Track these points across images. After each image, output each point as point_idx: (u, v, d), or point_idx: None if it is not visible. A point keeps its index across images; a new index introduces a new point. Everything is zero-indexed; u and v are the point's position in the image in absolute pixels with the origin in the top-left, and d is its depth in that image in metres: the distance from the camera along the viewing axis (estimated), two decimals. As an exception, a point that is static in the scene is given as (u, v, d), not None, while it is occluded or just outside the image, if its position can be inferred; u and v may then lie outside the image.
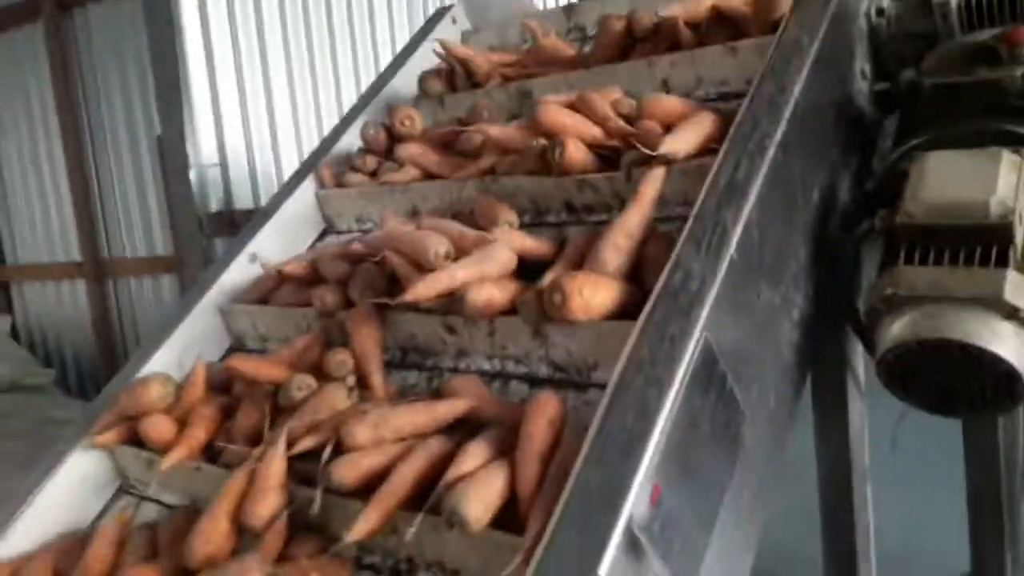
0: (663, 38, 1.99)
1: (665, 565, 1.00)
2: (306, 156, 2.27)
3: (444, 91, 2.32)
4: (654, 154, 1.51)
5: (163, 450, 1.56)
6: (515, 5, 2.82)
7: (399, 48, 2.66)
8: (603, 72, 2.00)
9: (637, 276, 1.43)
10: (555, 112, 1.71)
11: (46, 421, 3.83)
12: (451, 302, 1.47)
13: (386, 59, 4.31)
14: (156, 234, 4.44)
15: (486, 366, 1.52)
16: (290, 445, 1.39)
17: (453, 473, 1.20)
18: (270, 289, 1.91)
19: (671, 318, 1.15)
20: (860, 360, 1.75)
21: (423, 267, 1.52)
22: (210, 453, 1.59)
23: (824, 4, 1.62)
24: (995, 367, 1.26)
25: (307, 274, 1.82)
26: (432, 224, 1.66)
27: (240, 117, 4.04)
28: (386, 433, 1.34)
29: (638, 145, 1.55)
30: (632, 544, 0.96)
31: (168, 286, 4.45)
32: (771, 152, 1.35)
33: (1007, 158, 1.37)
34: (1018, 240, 1.32)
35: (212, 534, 1.33)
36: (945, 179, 1.38)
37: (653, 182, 1.49)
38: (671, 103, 1.69)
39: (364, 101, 2.38)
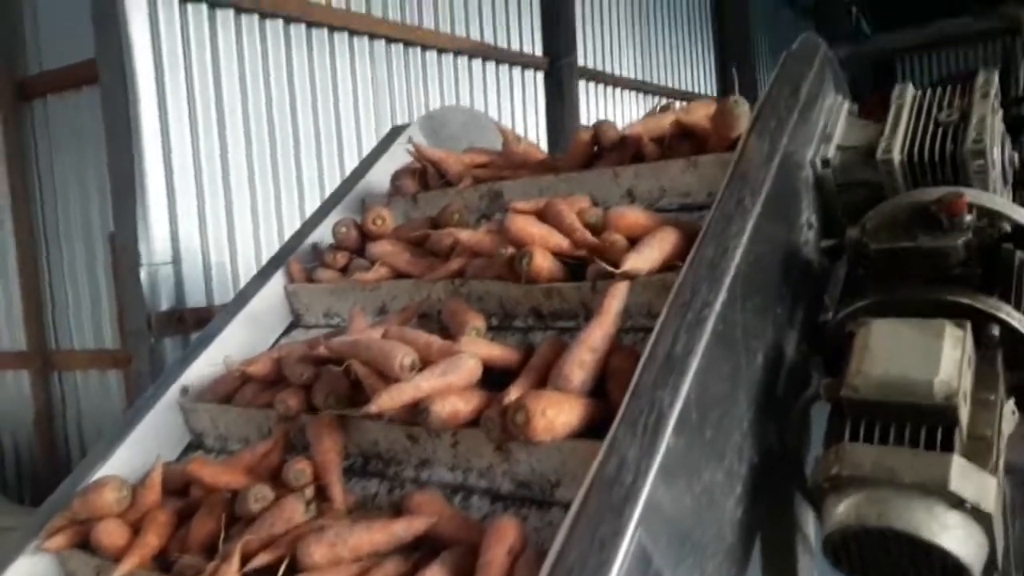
0: (628, 149, 2.08)
1: None
2: (264, 257, 2.26)
3: (417, 189, 2.36)
4: (618, 272, 1.56)
5: (115, 557, 1.53)
6: (471, 124, 2.83)
7: (366, 152, 2.67)
8: (571, 179, 2.07)
9: (602, 389, 1.44)
10: (523, 222, 1.75)
11: (-25, 529, 3.62)
12: (415, 411, 1.47)
13: (352, 163, 4.30)
14: (106, 328, 4.32)
15: (448, 477, 1.51)
16: (245, 560, 1.36)
17: None
18: (234, 388, 1.90)
19: (604, 517, 1.08)
20: (809, 520, 1.69)
21: (388, 377, 1.52)
22: (164, 560, 1.54)
23: (768, 157, 1.62)
24: (943, 560, 1.21)
25: (270, 374, 1.83)
26: (398, 333, 1.66)
27: (196, 215, 3.99)
28: (343, 552, 1.32)
29: (603, 261, 1.61)
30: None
31: (115, 381, 4.31)
32: (711, 323, 1.31)
33: (950, 333, 1.34)
34: (963, 420, 1.29)
35: None
36: (889, 353, 1.35)
37: (617, 296, 1.53)
38: (635, 216, 1.73)
39: (336, 198, 2.41)
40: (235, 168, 4.18)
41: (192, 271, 3.92)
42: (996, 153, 1.69)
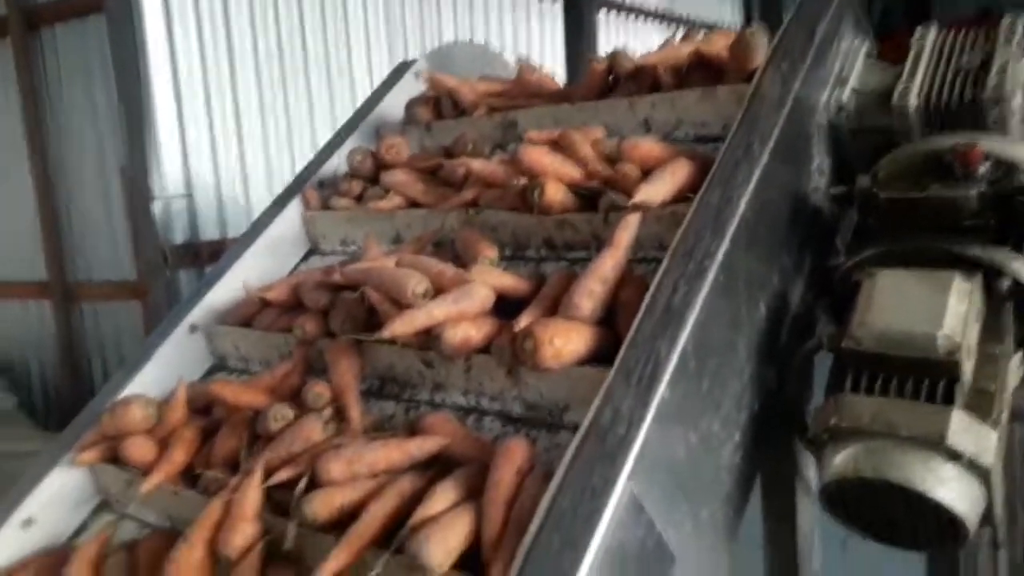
0: (644, 79, 2.06)
1: None
2: (276, 190, 2.28)
3: (431, 118, 2.35)
4: (631, 204, 1.56)
5: (144, 470, 1.60)
6: (480, 59, 2.77)
7: (377, 83, 2.66)
8: (586, 108, 2.05)
9: (611, 320, 1.45)
10: (537, 153, 1.75)
11: (4, 455, 3.73)
12: (429, 338, 1.50)
13: (364, 93, 4.25)
14: (123, 260, 4.35)
15: (461, 401, 1.55)
16: (266, 476, 1.42)
17: (420, 515, 1.22)
18: (254, 312, 1.94)
19: (596, 466, 1.09)
20: (809, 462, 1.70)
21: (402, 304, 1.54)
22: (189, 475, 1.61)
23: (779, 103, 1.58)
24: (937, 512, 1.22)
25: (289, 300, 1.87)
26: (411, 261, 1.67)
27: (209, 148, 3.98)
28: (360, 469, 1.36)
29: (615, 193, 1.61)
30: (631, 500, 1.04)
31: (134, 311, 4.37)
32: (712, 274, 1.30)
33: (957, 286, 1.32)
34: (966, 374, 1.28)
35: (188, 562, 1.35)
36: (893, 306, 1.33)
37: (628, 228, 1.53)
38: (649, 147, 1.71)
39: (348, 128, 2.41)
40: (246, 100, 4.14)
41: (205, 204, 3.93)
42: (1019, 100, 1.63)
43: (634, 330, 1.26)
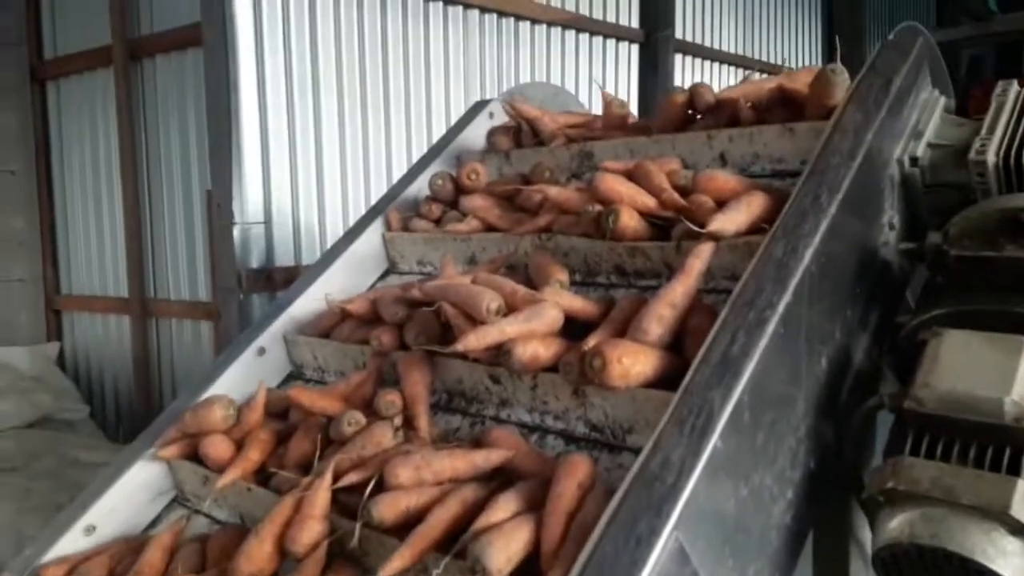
0: (723, 113, 2.08)
1: None
2: (351, 221, 2.39)
3: (510, 146, 2.46)
4: (704, 231, 1.59)
5: (219, 468, 1.68)
6: (555, 99, 2.81)
7: (454, 120, 2.76)
8: (663, 140, 2.10)
9: (679, 346, 1.48)
10: (612, 181, 1.80)
11: (74, 463, 3.89)
12: (498, 354, 1.55)
13: (440, 130, 4.35)
14: (200, 281, 4.52)
15: (526, 418, 1.60)
16: (336, 478, 1.49)
17: (482, 522, 1.27)
18: (332, 324, 2.05)
19: (641, 516, 1.09)
20: (864, 526, 1.65)
21: (475, 319, 1.60)
22: (262, 475, 1.69)
23: (850, 155, 1.56)
24: (997, 586, 1.17)
25: (367, 313, 1.96)
26: (486, 280, 1.73)
27: (289, 177, 4.11)
28: (427, 475, 1.42)
29: (689, 222, 1.63)
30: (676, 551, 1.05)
31: (207, 332, 4.52)
32: (772, 325, 1.29)
33: (1029, 350, 1.28)
34: (1034, 443, 1.23)
35: (256, 555, 1.42)
36: (960, 367, 1.30)
37: (701, 256, 1.56)
38: (724, 180, 1.74)
39: (432, 154, 2.53)
40: (327, 133, 4.27)
41: (282, 231, 4.06)
42: (1102, 160, 1.58)
43: (689, 378, 1.26)
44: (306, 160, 4.15)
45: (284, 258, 4.06)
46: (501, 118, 2.63)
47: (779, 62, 8.92)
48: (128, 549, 1.64)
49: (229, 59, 3.88)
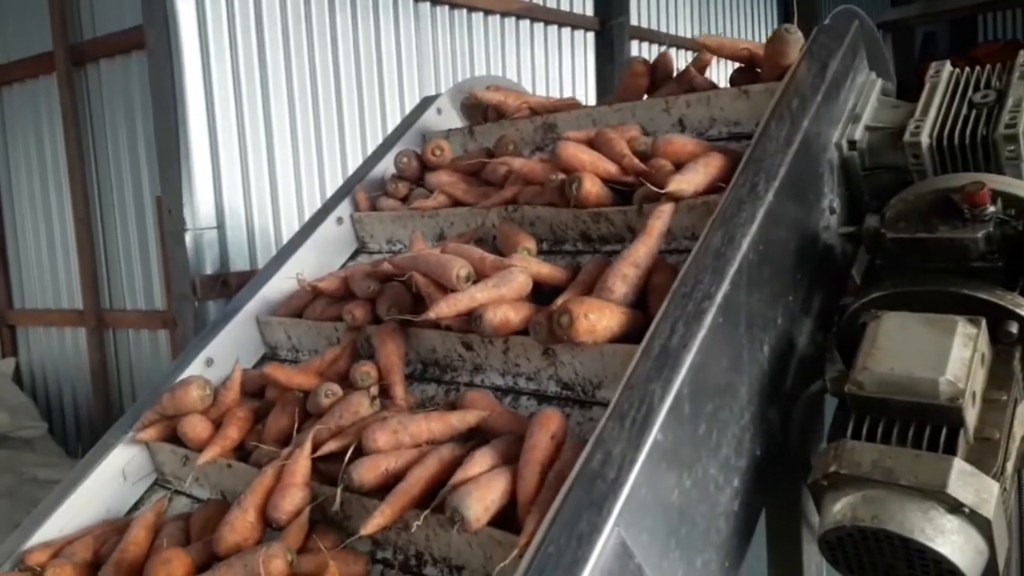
0: (685, 82, 2.14)
1: None
2: (307, 220, 2.37)
3: (475, 122, 2.48)
4: (663, 191, 1.62)
5: (199, 448, 1.69)
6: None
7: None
8: (623, 109, 2.13)
9: (643, 303, 1.52)
10: (574, 149, 1.83)
11: (32, 482, 3.82)
12: (469, 321, 1.58)
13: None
14: (155, 289, 4.45)
15: (499, 382, 1.63)
16: (316, 447, 1.51)
17: (459, 476, 1.30)
18: (304, 303, 2.06)
19: (582, 513, 1.08)
20: (815, 510, 1.66)
21: (446, 288, 1.64)
22: (241, 452, 1.71)
23: (786, 142, 1.57)
24: (937, 564, 1.18)
25: (339, 290, 1.97)
26: (455, 249, 1.76)
27: (240, 180, 4.06)
28: (404, 438, 1.45)
29: (650, 183, 1.67)
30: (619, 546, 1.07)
31: (165, 340, 4.46)
32: (710, 316, 1.29)
33: (962, 331, 1.30)
34: (969, 421, 1.25)
35: (240, 525, 1.44)
36: (897, 350, 1.31)
37: (661, 217, 1.60)
38: (682, 143, 1.78)
39: (399, 132, 2.53)
40: (279, 134, 4.22)
41: (236, 236, 4.01)
42: (1033, 137, 1.60)
43: (630, 372, 1.25)
44: (258, 162, 4.10)
45: (239, 262, 4.01)
46: (449, 113, 2.61)
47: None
48: (112, 530, 1.64)
49: (173, 62, 3.82)
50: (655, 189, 1.63)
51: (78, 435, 5.05)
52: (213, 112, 3.94)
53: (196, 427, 1.72)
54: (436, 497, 1.30)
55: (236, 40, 4.06)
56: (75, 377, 4.98)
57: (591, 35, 6.84)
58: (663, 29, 7.83)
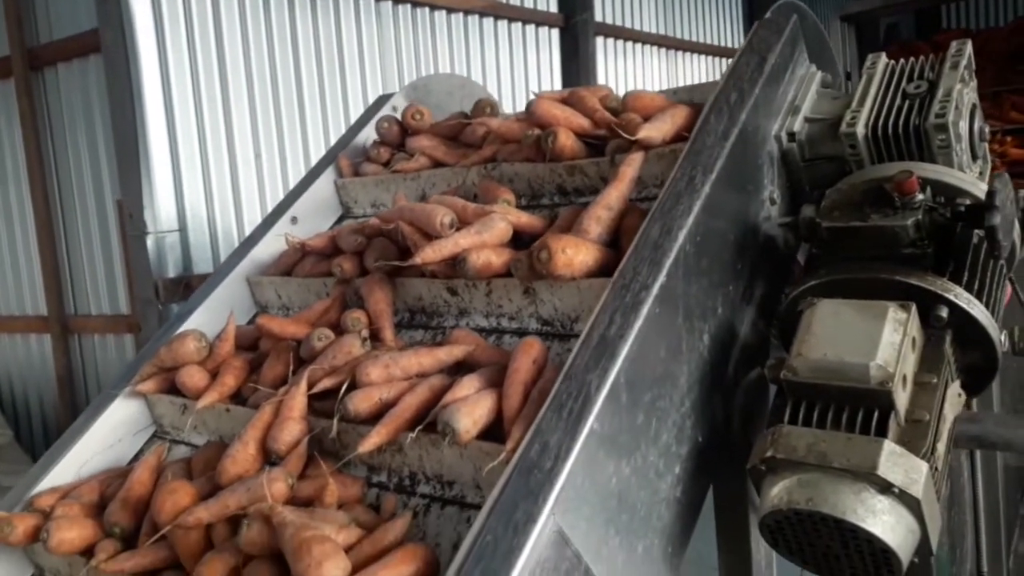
0: None
1: None
2: (291, 188, 2.42)
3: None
4: (633, 139, 1.73)
5: (196, 396, 1.75)
6: (460, 91, 2.81)
7: None
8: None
9: (615, 244, 1.61)
10: (548, 106, 1.94)
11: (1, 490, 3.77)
12: (454, 267, 1.67)
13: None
14: (120, 294, 4.42)
15: (483, 323, 1.73)
16: (311, 386, 1.58)
17: (449, 397, 1.41)
18: (293, 262, 2.13)
19: (518, 503, 1.10)
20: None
21: (430, 236, 1.72)
22: (238, 400, 1.76)
23: (724, 134, 1.59)
24: (870, 544, 1.22)
25: (327, 247, 2.04)
26: (438, 199, 1.84)
27: (202, 182, 4.04)
28: (396, 372, 1.54)
29: (620, 132, 1.76)
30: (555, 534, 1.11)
31: (130, 345, 4.42)
32: (647, 306, 1.31)
33: (892, 316, 1.33)
34: (900, 404, 1.29)
35: (241, 457, 1.51)
36: (830, 335, 1.34)
37: (632, 164, 1.70)
38: (651, 98, 1.92)
39: (352, 132, 2.57)
40: (239, 135, 4.21)
41: (199, 238, 3.99)
42: (963, 127, 1.64)
43: (569, 363, 1.27)
44: (219, 164, 4.08)
45: (202, 265, 3.99)
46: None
47: (702, 40, 9.05)
48: (115, 476, 1.71)
49: (130, 64, 3.79)
50: (627, 137, 1.73)
51: (45, 442, 5.00)
52: (172, 114, 3.92)
53: (194, 376, 1.78)
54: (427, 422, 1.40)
55: (194, 41, 4.04)
56: (41, 384, 4.93)
57: (555, 32, 6.86)
58: (628, 25, 7.88)
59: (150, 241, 3.81)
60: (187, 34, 4.01)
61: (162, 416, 1.88)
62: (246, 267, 2.16)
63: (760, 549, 1.67)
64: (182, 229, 3.91)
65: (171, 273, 3.86)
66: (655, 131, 1.74)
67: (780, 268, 1.76)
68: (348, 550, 1.25)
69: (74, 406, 4.73)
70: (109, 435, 1.83)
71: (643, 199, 1.75)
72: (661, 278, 1.36)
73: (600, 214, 1.61)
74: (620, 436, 1.24)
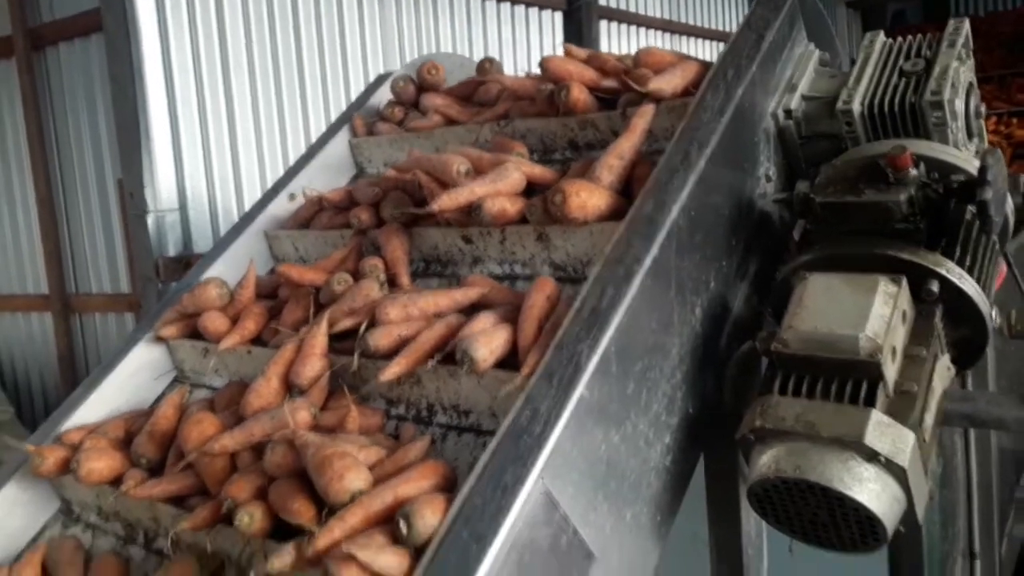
0: None
1: None
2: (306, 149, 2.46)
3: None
4: (645, 91, 1.77)
5: (218, 340, 1.79)
6: (462, 71, 2.81)
7: None
8: None
9: (627, 193, 1.64)
10: (561, 61, 1.99)
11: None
12: (469, 215, 1.70)
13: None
14: (121, 272, 4.43)
15: (497, 270, 1.77)
16: (331, 326, 1.63)
17: (466, 331, 1.46)
18: (310, 215, 2.16)
19: (507, 466, 1.12)
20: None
21: (447, 185, 1.75)
22: (259, 345, 1.80)
23: (720, 110, 1.60)
24: (856, 512, 1.23)
25: (343, 200, 2.08)
26: (454, 150, 1.90)
27: (202, 161, 4.05)
28: (414, 311, 1.59)
29: (632, 84, 1.81)
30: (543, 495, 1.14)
31: (131, 324, 4.44)
32: (639, 278, 1.33)
33: (883, 289, 1.34)
34: (889, 376, 1.30)
35: (265, 391, 1.56)
36: (820, 309, 1.35)
37: (644, 116, 1.73)
38: (661, 54, 1.96)
39: (351, 110, 2.56)
40: (240, 114, 4.21)
41: (199, 217, 4.00)
42: (959, 105, 1.65)
43: (560, 333, 1.29)
44: (220, 143, 4.09)
45: (202, 244, 4.01)
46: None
47: (706, 24, 9.01)
48: (140, 414, 1.77)
49: (132, 44, 3.79)
50: (638, 89, 1.77)
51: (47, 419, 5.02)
52: (173, 93, 3.93)
53: (215, 321, 1.82)
54: (445, 356, 1.45)
55: (195, 19, 4.04)
56: (42, 362, 4.95)
57: (559, 15, 6.84)
58: (631, 9, 7.84)
59: (150, 220, 3.83)
60: (188, 14, 4.01)
61: (183, 361, 1.92)
62: (263, 222, 2.19)
63: (750, 520, 1.69)
64: (182, 208, 3.92)
65: (171, 252, 3.88)
66: (665, 83, 1.78)
67: (775, 245, 1.77)
68: (370, 469, 1.29)
69: (74, 384, 4.73)
70: (131, 379, 1.87)
71: (654, 152, 1.75)
72: (654, 251, 1.37)
73: (612, 162, 1.64)
74: (610, 405, 1.26)
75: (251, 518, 1.28)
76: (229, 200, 4.14)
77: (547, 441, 1.14)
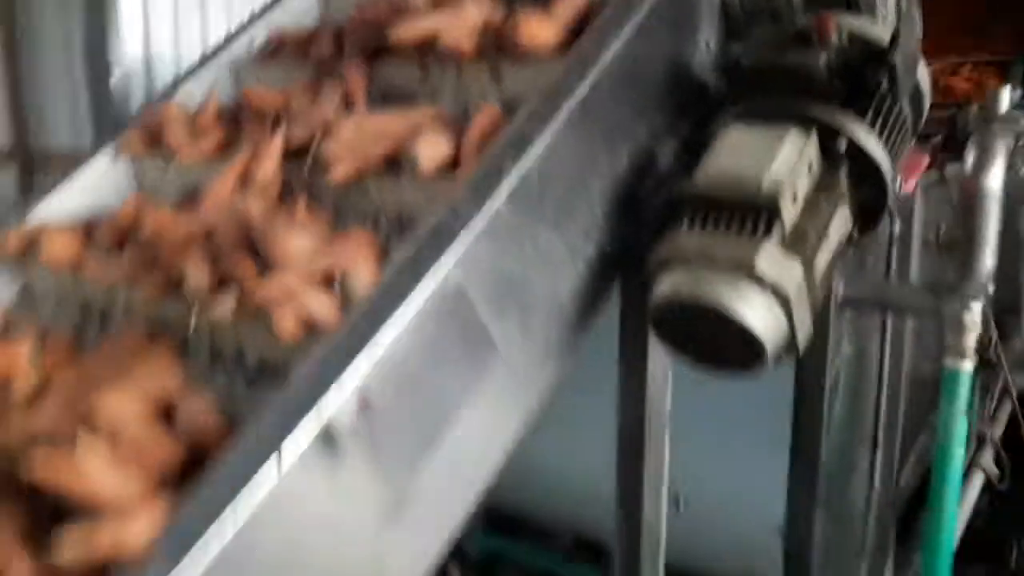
0: None
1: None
2: None
3: None
4: None
5: (180, 152, 1.84)
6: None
7: None
8: None
9: (580, 34, 1.69)
10: None
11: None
12: (426, 52, 1.79)
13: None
14: (84, 130, 4.41)
15: (453, 105, 1.81)
16: (287, 139, 1.72)
17: (412, 141, 1.56)
18: (273, 55, 2.18)
19: (423, 255, 1.22)
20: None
21: (406, 15, 1.85)
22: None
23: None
24: (740, 330, 1.35)
25: (307, 36, 2.12)
26: None
27: (172, 21, 4.00)
28: (367, 127, 1.69)
29: None
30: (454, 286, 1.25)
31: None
32: (566, 110, 1.41)
33: (792, 138, 1.44)
34: (787, 215, 1.40)
35: (220, 188, 1.68)
36: (730, 153, 1.45)
37: None
38: None
39: None
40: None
41: (164, 77, 3.97)
42: (890, -20, 1.72)
43: (491, 150, 1.38)
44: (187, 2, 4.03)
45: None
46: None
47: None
48: (101, 219, 1.81)
49: None
50: None
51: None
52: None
53: (178, 134, 1.88)
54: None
55: None
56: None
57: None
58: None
59: (114, 81, 3.80)
60: None
61: (143, 175, 1.96)
62: (226, 60, 2.19)
63: (657, 363, 1.81)
64: (147, 63, 3.89)
65: (135, 111, 3.86)
66: None
67: (709, 112, 1.85)
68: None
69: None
70: (93, 192, 1.90)
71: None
72: (585, 89, 1.45)
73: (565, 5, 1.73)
74: (526, 219, 1.36)
75: (199, 278, 1.40)
76: (194, 62, 4.10)
77: (463, 239, 1.24)
